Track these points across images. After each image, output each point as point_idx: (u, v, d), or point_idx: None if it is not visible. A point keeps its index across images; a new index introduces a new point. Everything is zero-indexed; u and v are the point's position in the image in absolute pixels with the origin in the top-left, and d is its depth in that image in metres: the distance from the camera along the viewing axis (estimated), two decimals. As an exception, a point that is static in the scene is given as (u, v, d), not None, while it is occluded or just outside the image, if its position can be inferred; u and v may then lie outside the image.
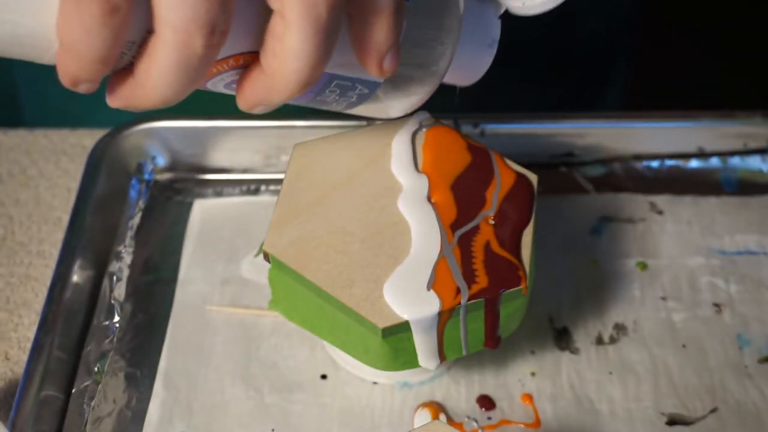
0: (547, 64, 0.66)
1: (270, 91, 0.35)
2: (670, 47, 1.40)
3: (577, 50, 0.66)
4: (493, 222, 0.42)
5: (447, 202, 0.43)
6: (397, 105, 0.43)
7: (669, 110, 0.57)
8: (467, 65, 0.43)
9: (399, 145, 0.45)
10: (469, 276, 0.40)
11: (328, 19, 0.33)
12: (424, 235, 0.42)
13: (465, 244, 0.41)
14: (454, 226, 0.42)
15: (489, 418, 0.46)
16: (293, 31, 0.32)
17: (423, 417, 0.45)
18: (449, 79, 0.43)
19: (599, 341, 0.49)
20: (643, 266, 0.52)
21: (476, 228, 0.42)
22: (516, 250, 0.42)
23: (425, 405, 0.46)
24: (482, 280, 0.40)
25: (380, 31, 0.35)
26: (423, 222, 0.42)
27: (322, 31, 0.33)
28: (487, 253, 0.41)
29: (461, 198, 0.43)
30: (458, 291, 0.40)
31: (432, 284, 0.40)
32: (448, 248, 0.41)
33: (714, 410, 0.46)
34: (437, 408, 0.46)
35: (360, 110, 0.42)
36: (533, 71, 0.66)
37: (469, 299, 0.40)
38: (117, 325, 0.48)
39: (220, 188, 0.56)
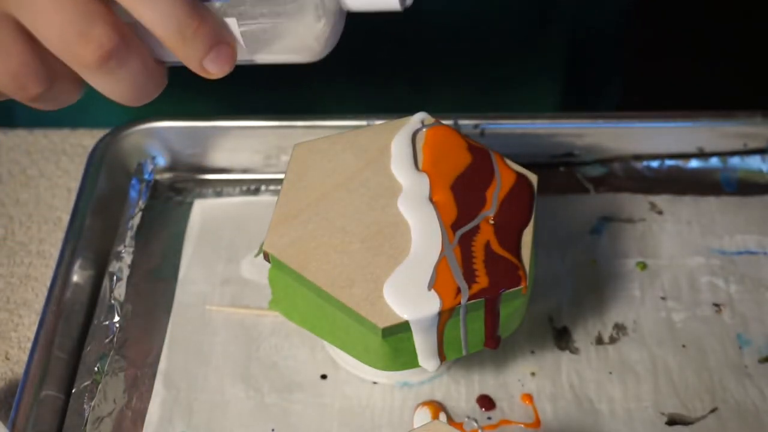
0: (546, 65, 0.66)
1: None
2: (669, 47, 1.40)
3: (576, 50, 0.66)
4: (493, 222, 0.42)
5: (447, 201, 0.43)
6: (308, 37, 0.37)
7: (669, 110, 0.57)
8: None
9: (399, 145, 0.45)
10: (469, 276, 0.40)
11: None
12: (424, 234, 0.41)
13: (465, 244, 0.41)
14: (455, 226, 0.42)
15: (489, 418, 0.46)
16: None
17: (423, 417, 0.45)
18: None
19: (599, 341, 0.49)
20: (643, 266, 0.52)
21: (476, 228, 0.42)
22: (516, 250, 0.42)
23: (425, 404, 0.46)
24: (482, 280, 0.40)
25: (186, 50, 0.35)
26: (423, 222, 0.42)
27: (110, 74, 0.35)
28: (487, 253, 0.41)
29: (461, 198, 0.43)
30: (458, 291, 0.40)
31: (433, 284, 0.40)
32: (449, 248, 0.41)
33: (714, 410, 0.46)
34: (437, 407, 0.46)
35: (270, 56, 0.38)
36: (532, 71, 0.66)
37: (469, 299, 0.40)
38: (117, 325, 0.48)
39: (220, 188, 0.56)
